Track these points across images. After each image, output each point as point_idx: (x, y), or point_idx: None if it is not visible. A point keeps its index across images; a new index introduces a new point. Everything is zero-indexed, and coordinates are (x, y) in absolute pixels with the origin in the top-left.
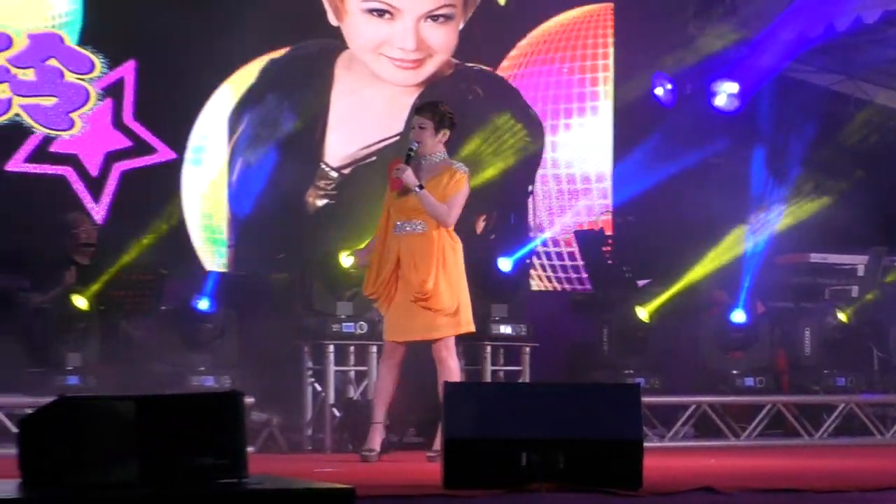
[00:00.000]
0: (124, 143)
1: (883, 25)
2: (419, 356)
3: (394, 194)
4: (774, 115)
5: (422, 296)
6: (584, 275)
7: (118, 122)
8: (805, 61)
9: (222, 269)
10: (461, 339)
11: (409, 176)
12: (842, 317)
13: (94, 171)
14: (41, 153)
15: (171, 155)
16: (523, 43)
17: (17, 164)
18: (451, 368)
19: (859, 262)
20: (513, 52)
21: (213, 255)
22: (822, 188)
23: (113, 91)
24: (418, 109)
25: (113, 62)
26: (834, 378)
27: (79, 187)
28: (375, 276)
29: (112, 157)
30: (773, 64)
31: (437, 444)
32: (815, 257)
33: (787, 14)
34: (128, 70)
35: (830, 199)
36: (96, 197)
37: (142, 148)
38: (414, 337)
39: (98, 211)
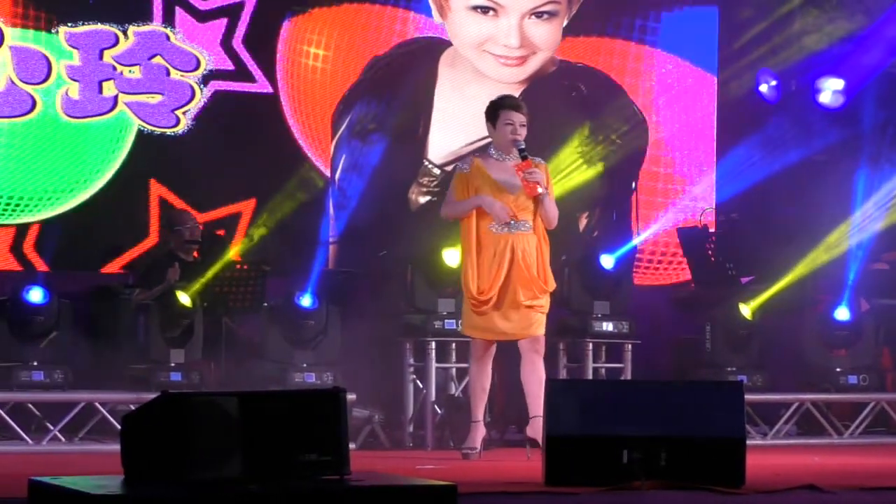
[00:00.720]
0: (220, 23)
1: None
2: (519, 356)
3: (510, 196)
4: (880, 111)
5: (540, 295)
6: (688, 272)
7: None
8: None
9: (325, 266)
10: (566, 336)
11: (543, 178)
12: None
13: (227, 65)
14: None
15: None
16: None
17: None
18: (542, 365)
19: None
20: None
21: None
22: None
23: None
24: (517, 106)
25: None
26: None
27: None
28: (487, 276)
29: (225, 41)
30: (879, 60)
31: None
32: None
33: (894, 10)
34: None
35: None
36: (251, 78)
37: (234, 10)
38: (514, 335)
39: (262, 86)
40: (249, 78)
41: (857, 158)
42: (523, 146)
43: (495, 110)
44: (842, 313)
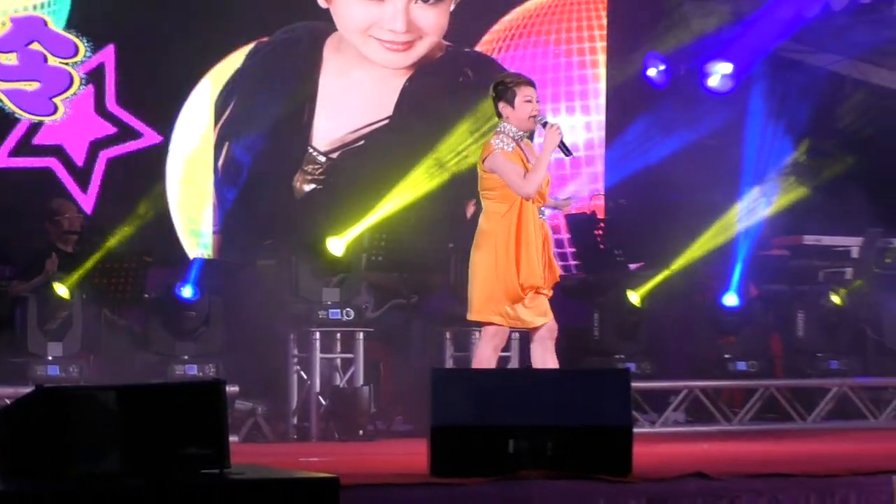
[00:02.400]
0: (108, 129)
1: (880, 4)
2: (408, 344)
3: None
4: (768, 95)
5: (555, 282)
6: (576, 260)
7: (101, 109)
8: (800, 41)
9: (207, 256)
10: (453, 325)
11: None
12: (836, 299)
13: (79, 161)
14: (25, 145)
15: (157, 139)
16: (508, 19)
17: (1, 159)
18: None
19: (854, 244)
20: (496, 27)
21: (195, 245)
22: (816, 169)
23: (95, 76)
24: (530, 81)
25: (97, 46)
26: (827, 361)
27: (65, 178)
28: (535, 262)
29: (97, 146)
30: (767, 44)
31: None
32: (809, 239)
33: None
34: (108, 55)
35: (825, 180)
36: (84, 187)
37: (127, 133)
38: (533, 323)
39: (86, 200)
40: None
41: (746, 143)
42: (545, 119)
43: (509, 88)
44: (730, 299)
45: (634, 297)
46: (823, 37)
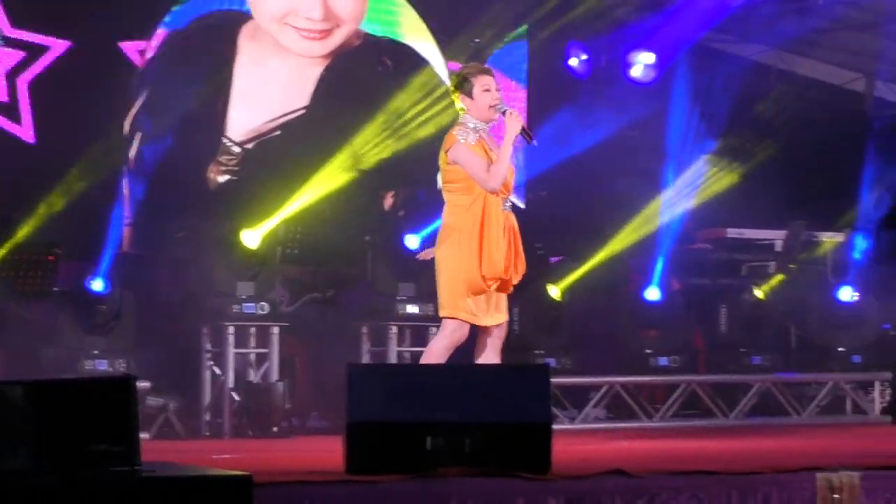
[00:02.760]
0: (16, 55)
1: None
2: (323, 339)
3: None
4: (692, 86)
5: (520, 277)
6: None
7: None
8: (724, 31)
9: (119, 249)
10: (370, 319)
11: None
12: (759, 294)
13: (3, 97)
14: None
15: (65, 45)
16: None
17: None
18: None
19: (777, 237)
20: None
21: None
22: (740, 161)
23: None
24: (489, 70)
25: None
26: (750, 357)
27: None
28: (499, 256)
29: (12, 75)
30: (690, 34)
31: None
32: (732, 232)
33: None
34: None
35: (749, 172)
36: (17, 120)
37: (35, 52)
38: (491, 321)
39: (25, 132)
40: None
41: (669, 134)
42: (504, 107)
43: (467, 79)
44: (652, 293)
45: (555, 291)
46: (748, 27)
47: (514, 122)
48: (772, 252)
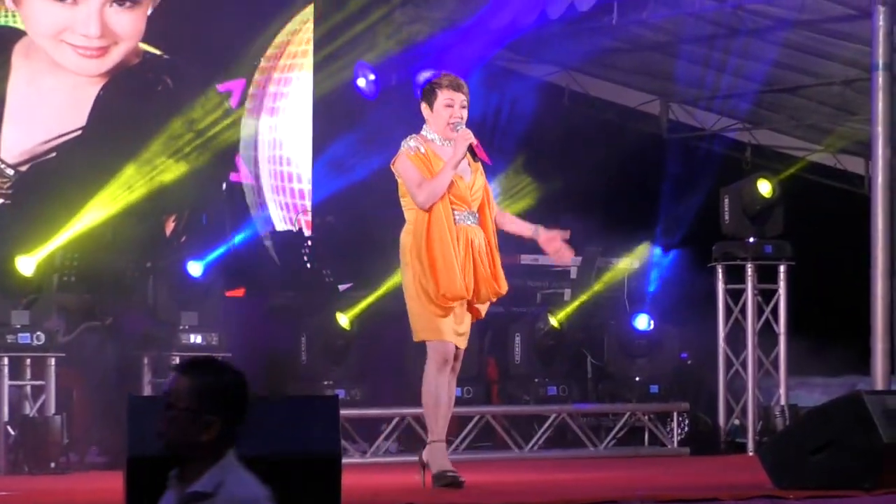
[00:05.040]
0: None
1: (598, 13)
2: (103, 370)
3: (464, 182)
4: (482, 107)
5: (493, 297)
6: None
7: None
8: (516, 50)
9: None
10: (151, 349)
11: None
12: (553, 322)
13: None
14: None
15: None
16: None
17: None
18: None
19: (572, 263)
20: None
21: None
22: (533, 185)
23: None
24: (458, 85)
25: None
26: (546, 387)
27: None
28: (455, 271)
29: None
30: (481, 53)
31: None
32: (526, 259)
33: (497, 0)
34: None
35: (542, 196)
36: None
37: None
38: (461, 346)
39: None
40: None
41: None
42: (463, 125)
43: (433, 90)
44: None
45: (344, 319)
46: (540, 46)
47: (461, 140)
48: (567, 279)
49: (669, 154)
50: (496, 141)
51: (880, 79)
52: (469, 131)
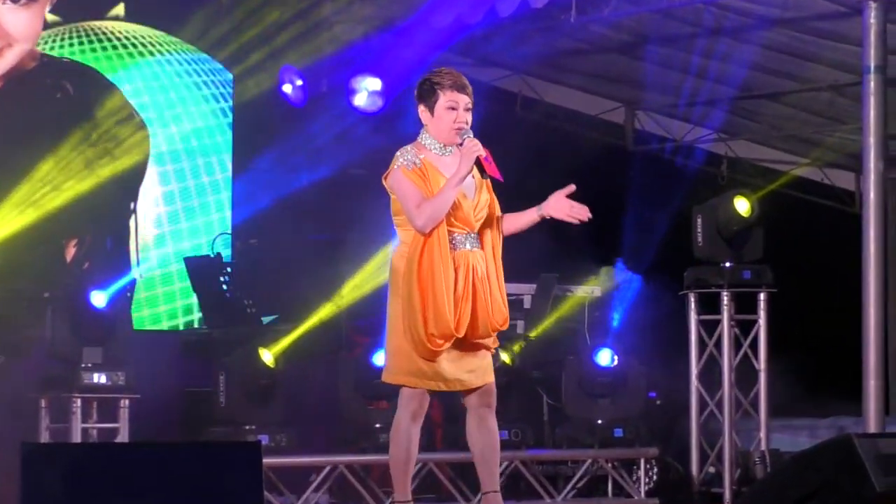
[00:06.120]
0: None
1: (554, 11)
2: None
3: (468, 201)
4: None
5: (494, 332)
6: (198, 311)
7: None
8: (462, 52)
9: None
10: (49, 391)
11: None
12: (505, 357)
13: None
14: None
15: None
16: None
17: None
18: (496, 423)
19: (526, 291)
20: None
21: None
22: None
23: None
24: (462, 86)
25: None
26: (498, 431)
27: None
28: (449, 306)
29: None
30: (422, 55)
31: None
32: None
33: None
34: None
35: None
36: None
37: None
38: (466, 384)
39: None
40: None
41: None
42: (469, 133)
43: (433, 90)
44: (380, 358)
45: (268, 355)
46: (489, 48)
47: (468, 152)
48: (520, 309)
49: (635, 168)
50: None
51: (872, 83)
52: (477, 142)
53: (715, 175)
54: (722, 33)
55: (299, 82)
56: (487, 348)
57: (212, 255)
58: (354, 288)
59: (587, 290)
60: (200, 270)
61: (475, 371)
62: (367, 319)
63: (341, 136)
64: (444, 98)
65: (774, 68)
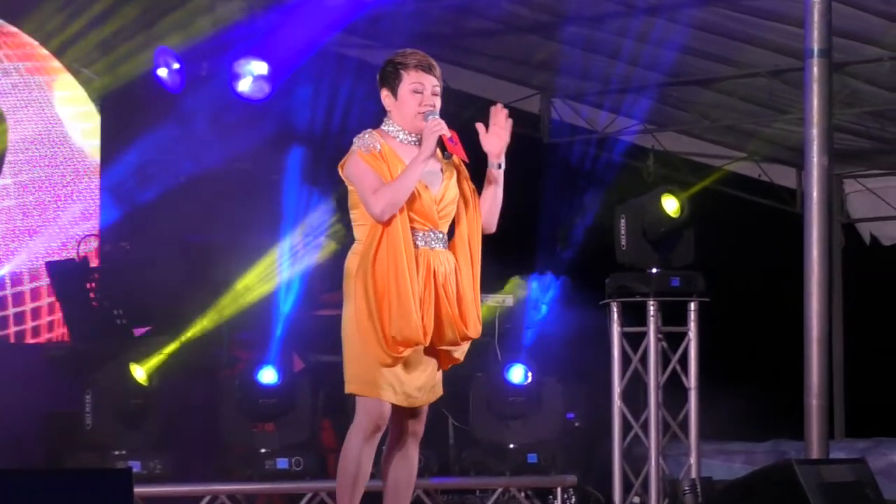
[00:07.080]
0: None
1: None
2: None
3: (430, 193)
4: (311, 104)
5: (464, 341)
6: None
7: None
8: (356, 33)
9: None
10: None
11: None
12: None
13: None
14: None
15: None
16: None
17: None
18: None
19: None
20: None
21: None
22: None
23: None
24: (429, 66)
25: None
26: None
27: None
28: (412, 309)
29: None
30: (312, 37)
31: None
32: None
33: None
34: None
35: None
36: None
37: None
38: (417, 400)
39: None
40: None
41: (288, 167)
42: (434, 114)
43: (396, 71)
44: (267, 375)
45: (140, 372)
46: (386, 28)
47: (430, 132)
48: None
49: (551, 162)
50: (328, 149)
51: (815, 68)
52: (440, 120)
53: (640, 170)
54: (648, 12)
55: (176, 65)
56: (448, 362)
57: (77, 261)
58: (237, 297)
59: (498, 300)
60: (65, 277)
61: (422, 388)
62: (251, 332)
63: (224, 126)
64: (409, 80)
65: (707, 51)
